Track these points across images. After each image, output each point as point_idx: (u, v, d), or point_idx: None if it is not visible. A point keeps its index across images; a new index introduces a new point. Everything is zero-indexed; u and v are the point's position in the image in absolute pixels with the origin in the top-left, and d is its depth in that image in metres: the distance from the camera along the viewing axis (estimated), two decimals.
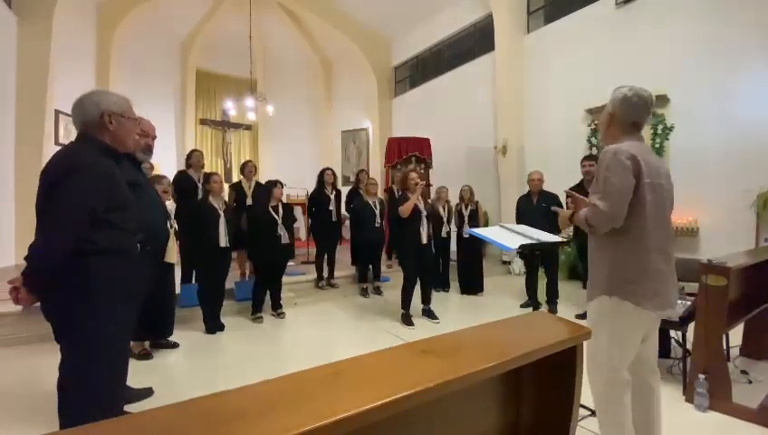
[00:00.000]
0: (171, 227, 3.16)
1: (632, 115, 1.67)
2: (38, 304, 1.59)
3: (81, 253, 1.52)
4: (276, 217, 4.12)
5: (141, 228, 1.79)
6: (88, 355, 1.59)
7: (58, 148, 2.19)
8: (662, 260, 1.61)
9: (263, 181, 4.99)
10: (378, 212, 5.02)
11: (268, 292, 4.36)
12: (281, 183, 4.34)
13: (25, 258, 1.52)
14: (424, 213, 4.16)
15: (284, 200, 8.94)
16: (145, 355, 3.15)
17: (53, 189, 1.52)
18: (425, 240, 4.13)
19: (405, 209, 4.05)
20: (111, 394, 1.72)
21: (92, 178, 1.54)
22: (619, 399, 1.63)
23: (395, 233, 4.63)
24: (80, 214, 1.51)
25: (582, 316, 4.01)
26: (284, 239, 4.14)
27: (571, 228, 4.41)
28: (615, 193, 1.54)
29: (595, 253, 1.72)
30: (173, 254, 3.16)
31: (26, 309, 1.59)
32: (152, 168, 3.96)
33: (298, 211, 7.99)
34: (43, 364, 2.95)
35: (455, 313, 4.72)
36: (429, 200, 5.19)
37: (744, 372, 2.76)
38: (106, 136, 1.68)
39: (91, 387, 1.60)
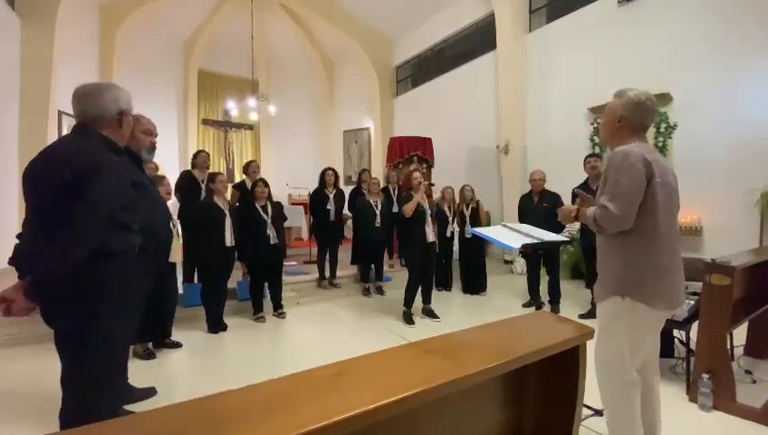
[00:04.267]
0: (174, 226, 3.17)
1: (644, 118, 1.68)
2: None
3: (94, 255, 1.47)
4: (265, 217, 4.07)
5: (142, 229, 1.72)
6: (93, 358, 1.55)
7: None
8: (673, 259, 1.62)
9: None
10: (379, 212, 5.03)
11: (268, 292, 4.35)
12: (264, 181, 4.23)
13: (32, 259, 1.42)
14: (428, 212, 4.15)
15: (288, 200, 9.00)
16: (148, 355, 3.16)
17: (70, 190, 1.42)
18: (431, 238, 4.14)
19: (408, 209, 4.05)
20: (114, 394, 1.71)
21: (113, 178, 1.50)
22: (629, 400, 1.62)
23: (400, 232, 4.62)
24: (102, 215, 1.47)
25: (585, 316, 3.99)
26: (273, 240, 4.06)
27: (577, 225, 4.41)
28: (625, 195, 1.54)
29: (605, 252, 1.70)
30: (176, 253, 3.18)
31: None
32: (157, 168, 3.97)
33: (300, 211, 8.07)
34: (43, 365, 2.96)
35: (457, 312, 4.72)
36: (434, 199, 5.17)
37: (748, 371, 2.74)
38: (112, 132, 1.62)
39: (96, 388, 1.58)
